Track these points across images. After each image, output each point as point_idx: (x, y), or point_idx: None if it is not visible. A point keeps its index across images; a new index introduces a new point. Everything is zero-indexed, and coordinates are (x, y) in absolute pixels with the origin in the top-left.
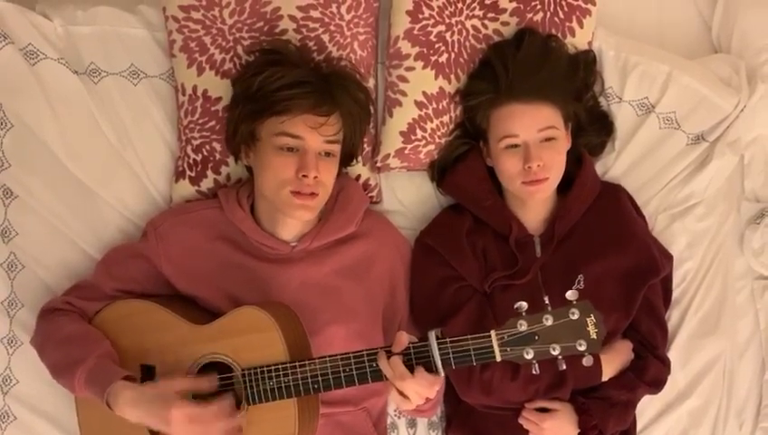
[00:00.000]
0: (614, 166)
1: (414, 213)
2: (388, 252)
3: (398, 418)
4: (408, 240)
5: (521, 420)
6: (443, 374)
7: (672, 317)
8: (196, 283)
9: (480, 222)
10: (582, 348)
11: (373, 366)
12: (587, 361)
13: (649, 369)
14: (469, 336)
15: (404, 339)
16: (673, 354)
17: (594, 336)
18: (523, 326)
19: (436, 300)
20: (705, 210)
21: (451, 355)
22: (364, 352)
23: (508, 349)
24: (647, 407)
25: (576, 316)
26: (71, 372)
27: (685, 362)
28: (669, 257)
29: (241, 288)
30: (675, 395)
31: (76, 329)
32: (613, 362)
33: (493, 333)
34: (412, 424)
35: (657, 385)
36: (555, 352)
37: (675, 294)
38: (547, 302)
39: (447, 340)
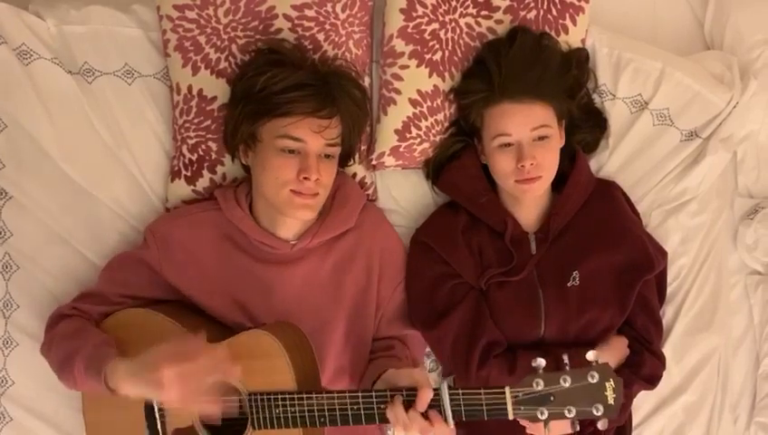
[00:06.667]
0: (608, 163)
1: (409, 211)
2: (372, 243)
3: None
4: (402, 237)
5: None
6: (452, 425)
7: (667, 313)
8: (200, 287)
9: (475, 219)
10: (599, 413)
11: (381, 408)
12: (602, 424)
13: (645, 365)
14: (482, 390)
15: (428, 397)
16: (668, 350)
17: (612, 402)
18: (539, 386)
19: (433, 297)
20: (699, 206)
21: (462, 407)
22: (372, 393)
23: (522, 408)
24: (642, 403)
25: (595, 380)
26: (70, 363)
27: (680, 357)
28: (664, 253)
29: (244, 291)
30: (670, 391)
31: (77, 327)
32: (609, 359)
33: (507, 389)
34: None
35: (652, 381)
36: (570, 415)
37: (669, 290)
38: (542, 299)
39: (460, 391)
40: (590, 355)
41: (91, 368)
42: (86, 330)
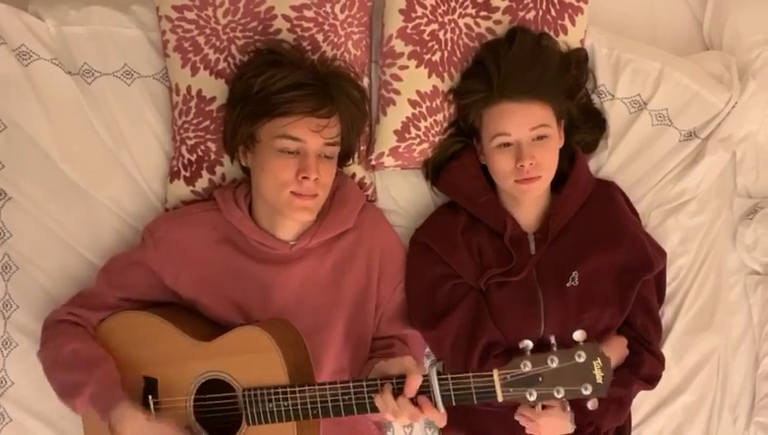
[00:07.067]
0: (607, 163)
1: (409, 211)
2: (371, 243)
3: None
4: (401, 237)
5: (517, 417)
6: (443, 410)
7: (666, 313)
8: (198, 287)
9: (475, 220)
10: (587, 392)
11: (372, 397)
12: (592, 404)
13: (644, 365)
14: (471, 374)
15: (417, 383)
16: (667, 350)
17: (600, 380)
18: (526, 367)
19: (433, 297)
20: (698, 206)
21: (452, 392)
22: (363, 382)
23: (510, 389)
24: (642, 403)
25: (582, 359)
26: (72, 396)
27: (679, 357)
28: (663, 253)
29: (243, 292)
30: (669, 391)
31: (77, 349)
32: None
33: (495, 372)
34: None
35: (651, 381)
36: (559, 395)
37: (668, 290)
38: (542, 299)
39: (449, 376)
40: (578, 335)
41: (94, 405)
42: (87, 356)
